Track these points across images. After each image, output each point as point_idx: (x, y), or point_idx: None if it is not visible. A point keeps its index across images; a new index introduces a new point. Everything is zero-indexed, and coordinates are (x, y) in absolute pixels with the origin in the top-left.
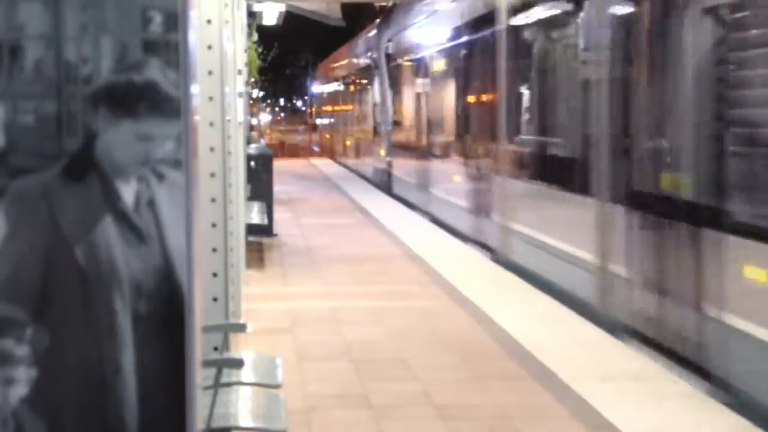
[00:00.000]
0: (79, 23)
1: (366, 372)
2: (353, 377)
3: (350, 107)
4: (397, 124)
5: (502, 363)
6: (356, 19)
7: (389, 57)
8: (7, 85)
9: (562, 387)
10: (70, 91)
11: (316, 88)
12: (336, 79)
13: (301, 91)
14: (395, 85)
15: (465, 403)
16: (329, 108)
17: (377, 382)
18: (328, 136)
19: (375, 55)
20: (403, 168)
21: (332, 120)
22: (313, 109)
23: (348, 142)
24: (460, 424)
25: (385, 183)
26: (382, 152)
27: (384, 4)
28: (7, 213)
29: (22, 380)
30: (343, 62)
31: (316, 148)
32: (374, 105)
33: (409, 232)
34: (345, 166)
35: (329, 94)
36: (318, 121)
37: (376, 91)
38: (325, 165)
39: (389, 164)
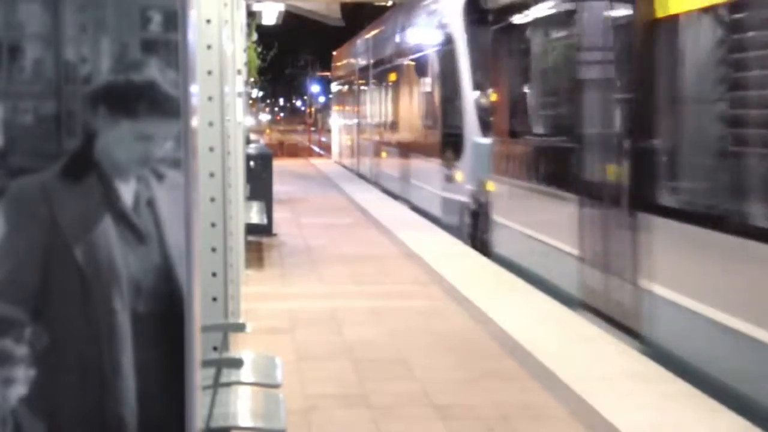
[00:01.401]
0: (79, 23)
1: (365, 372)
2: (353, 377)
3: (387, 105)
4: (510, 133)
5: (502, 363)
6: (356, 19)
7: (482, 18)
8: (6, 85)
9: (562, 387)
10: (70, 90)
11: (332, 80)
12: (361, 69)
13: (301, 91)
14: (502, 65)
15: (464, 402)
16: (349, 107)
17: (377, 382)
18: (348, 141)
19: (445, 21)
20: (530, 214)
21: (354, 122)
22: (313, 109)
23: (383, 154)
24: (460, 424)
25: (469, 228)
26: (460, 176)
27: (384, 3)
28: (7, 213)
29: (22, 380)
30: (373, 46)
31: (318, 149)
32: (442, 101)
33: (408, 231)
34: (376, 183)
35: (350, 88)
36: (332, 122)
37: (446, 80)
38: (324, 164)
39: (481, 200)
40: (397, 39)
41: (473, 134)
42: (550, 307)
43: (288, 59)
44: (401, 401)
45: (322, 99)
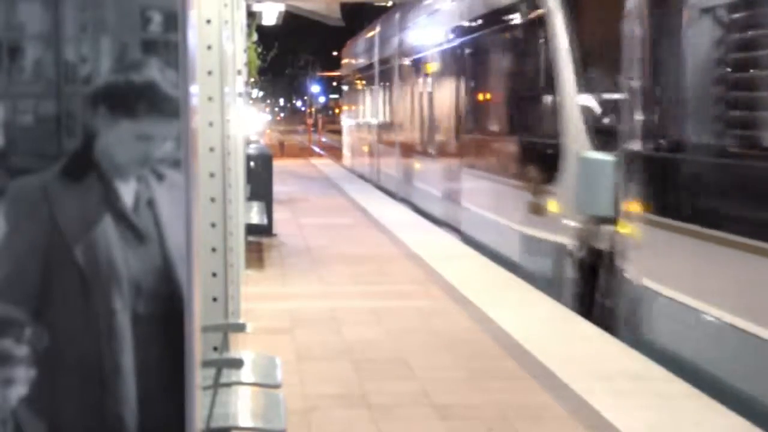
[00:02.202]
0: (79, 23)
1: (365, 372)
2: (353, 377)
3: (421, 102)
4: (693, 149)
5: (502, 363)
6: (356, 19)
7: None
8: (6, 85)
9: (562, 386)
10: (70, 91)
11: (344, 72)
12: (383, 60)
13: (301, 92)
14: (663, 41)
15: (464, 402)
16: (365, 106)
17: (377, 382)
18: (365, 147)
19: None
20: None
21: (372, 122)
22: (313, 110)
23: (417, 164)
24: (460, 424)
25: (577, 286)
26: (557, 206)
27: (383, 3)
28: (7, 213)
29: (22, 380)
30: (401, 31)
31: (318, 150)
32: (522, 98)
33: (408, 231)
34: (405, 200)
35: (367, 83)
36: (345, 123)
37: (529, 69)
38: (324, 165)
39: (600, 247)
40: (440, 19)
41: (579, 145)
42: (550, 307)
43: (288, 59)
44: (401, 401)
45: (322, 99)
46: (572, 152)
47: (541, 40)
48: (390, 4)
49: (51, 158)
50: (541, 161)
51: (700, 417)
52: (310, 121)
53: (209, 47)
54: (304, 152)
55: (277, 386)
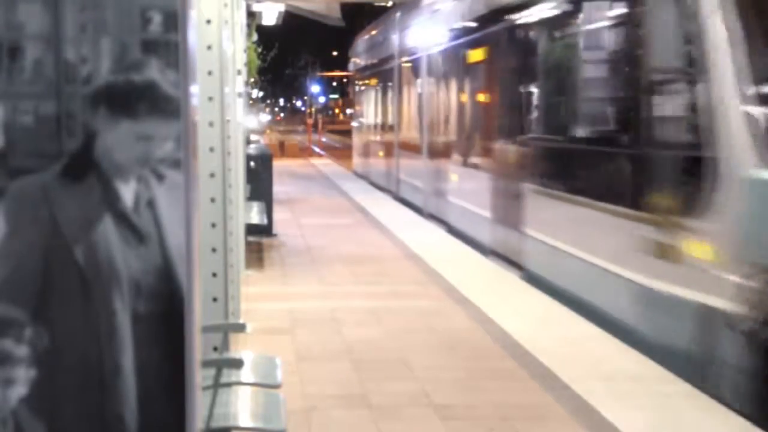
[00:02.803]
0: (79, 23)
1: (365, 372)
2: (353, 377)
3: (468, 97)
4: None
5: (502, 363)
6: (356, 19)
7: None
8: (6, 85)
9: (562, 387)
10: (70, 91)
11: (354, 68)
12: (404, 53)
13: (301, 92)
14: None
15: (465, 403)
16: (383, 104)
17: (377, 382)
18: (380, 151)
19: None
20: None
21: (392, 122)
22: (313, 110)
23: (453, 176)
24: (460, 424)
25: (749, 379)
26: (708, 252)
27: (384, 3)
28: (7, 213)
29: (22, 380)
30: (447, 9)
31: (318, 150)
32: (638, 93)
33: (408, 232)
34: (435, 217)
35: (387, 77)
36: (355, 125)
37: (653, 55)
38: (323, 165)
39: None
40: None
41: (745, 162)
42: (550, 307)
43: (288, 59)
44: (401, 401)
45: (322, 99)
46: (734, 171)
47: (671, 30)
48: (390, 4)
49: (51, 158)
50: (677, 183)
51: (700, 417)
52: (310, 121)
53: (209, 47)
54: (304, 152)
55: (277, 386)
